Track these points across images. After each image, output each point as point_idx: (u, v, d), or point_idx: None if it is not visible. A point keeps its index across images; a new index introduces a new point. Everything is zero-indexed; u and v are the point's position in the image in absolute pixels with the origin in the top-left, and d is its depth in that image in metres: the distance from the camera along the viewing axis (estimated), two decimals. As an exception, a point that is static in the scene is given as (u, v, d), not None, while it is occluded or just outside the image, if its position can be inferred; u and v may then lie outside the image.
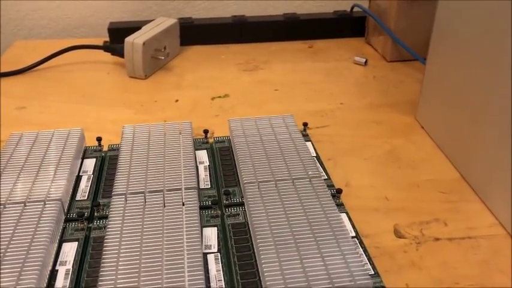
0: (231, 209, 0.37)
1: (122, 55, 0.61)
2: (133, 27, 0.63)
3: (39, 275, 0.29)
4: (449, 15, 0.44)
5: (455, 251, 0.35)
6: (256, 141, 0.41)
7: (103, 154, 0.43)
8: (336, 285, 0.28)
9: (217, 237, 0.34)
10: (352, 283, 0.28)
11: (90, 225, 0.35)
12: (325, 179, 0.39)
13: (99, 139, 0.44)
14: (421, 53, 0.58)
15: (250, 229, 0.34)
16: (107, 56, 0.64)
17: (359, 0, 0.71)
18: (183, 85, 0.60)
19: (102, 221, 0.35)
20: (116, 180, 0.36)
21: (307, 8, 0.78)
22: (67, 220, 0.36)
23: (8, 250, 0.30)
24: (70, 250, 0.33)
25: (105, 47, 0.64)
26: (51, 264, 0.31)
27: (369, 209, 0.39)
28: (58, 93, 0.58)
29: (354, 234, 0.34)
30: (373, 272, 0.31)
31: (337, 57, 0.67)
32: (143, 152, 0.40)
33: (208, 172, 0.41)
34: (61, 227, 0.35)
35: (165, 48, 0.63)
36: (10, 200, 0.34)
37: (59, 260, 0.32)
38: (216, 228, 0.35)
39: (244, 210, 0.36)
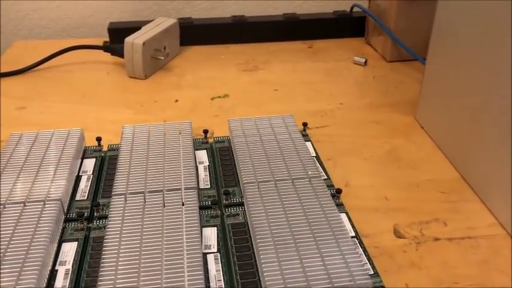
0: (230, 209, 0.37)
1: (121, 55, 0.61)
2: (133, 28, 0.63)
3: (39, 275, 0.29)
4: (449, 15, 0.44)
5: (455, 251, 0.35)
6: (256, 141, 0.41)
7: (103, 154, 0.43)
8: (335, 285, 0.28)
9: (217, 237, 0.34)
10: (352, 283, 0.28)
11: (90, 225, 0.35)
12: (324, 179, 0.39)
13: (98, 139, 0.44)
14: (421, 53, 0.58)
15: (250, 229, 0.34)
16: (106, 56, 0.64)
17: (359, 0, 0.71)
18: (183, 85, 0.60)
19: (102, 221, 0.35)
20: (116, 180, 0.37)
21: (307, 8, 0.78)
22: (67, 220, 0.36)
23: (8, 250, 0.30)
24: (70, 250, 0.33)
25: (105, 47, 0.64)
26: (50, 264, 0.31)
27: (369, 209, 0.39)
28: (58, 93, 0.58)
29: (353, 234, 0.34)
30: (372, 272, 0.31)
31: (337, 57, 0.67)
32: (143, 152, 0.40)
33: (208, 172, 0.41)
34: (61, 227, 0.35)
35: (164, 48, 0.63)
36: (10, 200, 0.34)
37: (59, 260, 0.32)
38: (215, 228, 0.35)
39: (244, 210, 0.36)
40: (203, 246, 0.33)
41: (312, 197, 0.35)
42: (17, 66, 0.62)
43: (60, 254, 0.33)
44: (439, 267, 0.33)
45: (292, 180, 0.36)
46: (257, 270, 0.31)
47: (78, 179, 0.40)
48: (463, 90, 0.42)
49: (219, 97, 0.57)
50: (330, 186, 0.39)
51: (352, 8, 0.73)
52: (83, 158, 0.42)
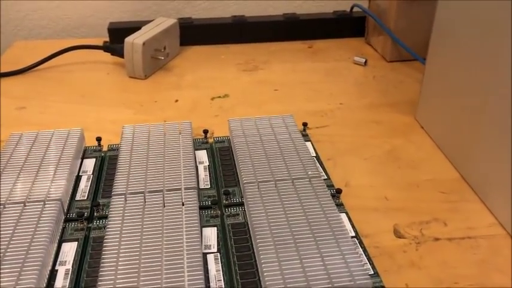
0: (230, 209, 0.37)
1: (121, 55, 0.61)
2: (133, 28, 0.63)
3: (39, 275, 0.29)
4: (448, 15, 0.44)
5: (455, 250, 0.35)
6: (256, 141, 0.41)
7: (103, 154, 0.43)
8: (335, 285, 0.28)
9: (217, 237, 0.34)
10: (352, 283, 0.28)
11: (90, 225, 0.35)
12: (324, 179, 0.39)
13: (98, 139, 0.44)
14: (421, 53, 0.58)
15: (250, 229, 0.34)
16: (106, 56, 0.64)
17: (359, 0, 0.71)
18: (183, 85, 0.60)
19: (102, 221, 0.35)
20: (116, 180, 0.37)
21: (307, 8, 0.78)
22: (67, 220, 0.36)
23: (8, 250, 0.30)
24: (70, 250, 0.33)
25: (105, 47, 0.64)
26: (50, 264, 0.31)
27: (369, 209, 0.39)
28: (58, 93, 0.58)
29: (353, 234, 0.34)
30: (372, 272, 0.31)
31: (337, 57, 0.67)
32: (143, 152, 0.40)
33: (208, 172, 0.41)
34: (61, 227, 0.35)
35: (164, 48, 0.63)
36: (10, 200, 0.35)
37: (59, 260, 0.32)
38: (215, 228, 0.35)
39: (244, 210, 0.36)
40: (203, 246, 0.33)
41: (312, 197, 0.35)
42: (17, 66, 0.62)
43: (60, 254, 0.33)
44: (439, 267, 0.33)
45: (292, 180, 0.36)
46: (257, 270, 0.31)
47: (78, 179, 0.40)
48: (462, 90, 0.42)
49: (219, 97, 0.57)
50: (330, 186, 0.39)
51: (352, 8, 0.73)
52: (83, 158, 0.42)
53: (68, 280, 0.31)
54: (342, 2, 0.76)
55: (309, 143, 0.45)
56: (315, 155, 0.43)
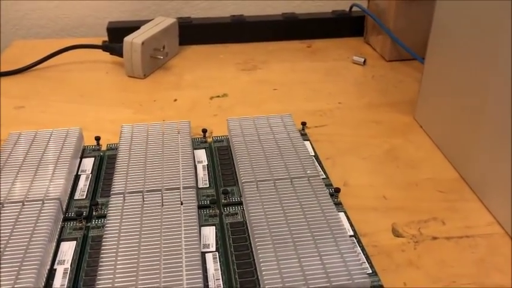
0: (229, 208, 0.37)
1: (120, 55, 0.61)
2: (132, 27, 0.63)
3: (38, 274, 0.29)
4: (447, 15, 0.44)
5: (453, 249, 0.35)
6: (255, 140, 0.41)
7: (101, 153, 0.43)
8: (333, 284, 0.28)
9: (216, 237, 0.34)
10: (350, 282, 0.28)
11: (89, 224, 0.35)
12: (323, 178, 0.39)
13: (97, 138, 0.44)
14: (420, 53, 0.58)
15: (249, 228, 0.34)
16: (105, 56, 0.64)
17: (358, 0, 0.71)
18: (182, 85, 0.60)
19: (101, 220, 0.35)
20: (114, 179, 0.37)
21: (306, 8, 0.78)
22: (65, 219, 0.36)
23: (6, 249, 0.30)
24: (68, 249, 0.33)
25: (104, 47, 0.64)
26: (49, 263, 0.31)
27: (367, 208, 0.39)
28: (57, 92, 0.58)
29: (351, 233, 0.34)
30: (370, 271, 0.31)
31: (336, 56, 0.67)
32: (141, 152, 0.40)
33: (206, 171, 0.41)
34: (59, 226, 0.35)
35: (163, 47, 0.63)
36: (8, 199, 0.34)
37: (57, 259, 0.32)
38: (214, 227, 0.35)
39: (243, 209, 0.36)
40: (202, 246, 0.33)
41: (311, 196, 0.35)
42: (15, 65, 0.62)
43: (59, 253, 0.33)
44: (437, 266, 0.33)
45: (290, 180, 0.36)
46: (256, 269, 0.31)
47: (76, 178, 0.40)
48: (461, 89, 0.42)
49: (218, 96, 0.57)
50: (329, 185, 0.39)
51: (351, 7, 0.73)
52: (81, 157, 0.42)
53: (67, 279, 0.31)
54: (341, 2, 0.76)
55: (308, 142, 0.45)
56: (313, 154, 0.43)
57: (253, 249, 0.32)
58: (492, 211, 0.38)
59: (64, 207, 0.36)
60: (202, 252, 0.32)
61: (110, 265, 0.29)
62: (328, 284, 0.28)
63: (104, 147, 0.44)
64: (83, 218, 0.35)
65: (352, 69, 0.64)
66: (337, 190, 0.38)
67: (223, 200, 0.37)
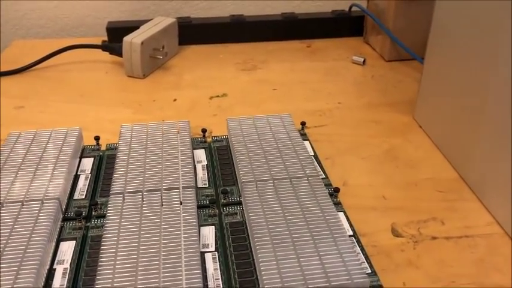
0: (228, 208, 0.37)
1: (120, 54, 0.61)
2: (131, 27, 0.63)
3: (37, 274, 0.29)
4: (447, 15, 0.44)
5: (453, 249, 0.35)
6: (254, 140, 0.41)
7: (101, 153, 0.43)
8: (333, 284, 0.28)
9: (215, 236, 0.34)
10: (349, 282, 0.28)
11: (88, 224, 0.35)
12: (322, 178, 0.39)
13: (97, 138, 0.44)
14: (419, 53, 0.58)
15: (248, 228, 0.34)
16: (105, 56, 0.64)
17: (357, 0, 0.71)
18: (182, 84, 0.60)
19: (100, 220, 0.35)
20: (114, 179, 0.37)
21: (306, 8, 0.78)
22: (65, 219, 0.36)
23: (6, 249, 0.30)
24: (68, 249, 0.33)
25: (104, 47, 0.64)
26: (48, 263, 0.31)
27: (367, 208, 0.39)
28: (56, 92, 0.58)
29: (351, 233, 0.34)
30: (370, 271, 0.31)
31: (336, 56, 0.67)
32: (141, 151, 0.40)
33: (206, 171, 0.41)
34: (59, 226, 0.35)
35: (163, 47, 0.63)
36: (8, 199, 0.34)
37: (57, 259, 0.32)
38: (213, 227, 0.35)
39: (242, 209, 0.36)
40: (201, 245, 0.33)
41: (310, 196, 0.35)
42: (15, 65, 0.62)
43: (58, 253, 0.33)
44: (437, 266, 0.33)
45: (290, 179, 0.36)
46: (255, 269, 0.31)
47: (76, 178, 0.40)
48: (461, 89, 0.42)
49: (218, 96, 0.57)
50: (328, 185, 0.39)
51: (350, 7, 0.73)
52: (81, 157, 0.42)
53: (66, 279, 0.31)
54: (340, 2, 0.76)
55: (307, 142, 0.45)
56: (313, 154, 0.43)
57: (252, 249, 0.32)
58: (491, 211, 0.38)
59: (63, 207, 0.36)
60: (201, 252, 0.32)
61: (109, 265, 0.29)
62: (327, 284, 0.28)
63: (103, 147, 0.44)
64: (82, 217, 0.35)
65: (351, 69, 0.64)
66: (337, 190, 0.38)
67: (222, 200, 0.37)
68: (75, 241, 0.34)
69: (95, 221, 0.35)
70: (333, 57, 0.67)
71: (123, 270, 0.29)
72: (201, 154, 0.43)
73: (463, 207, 0.39)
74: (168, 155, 0.39)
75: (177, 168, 0.38)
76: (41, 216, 0.33)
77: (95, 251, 0.32)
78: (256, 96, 0.57)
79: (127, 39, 0.59)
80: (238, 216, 0.36)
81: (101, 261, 0.29)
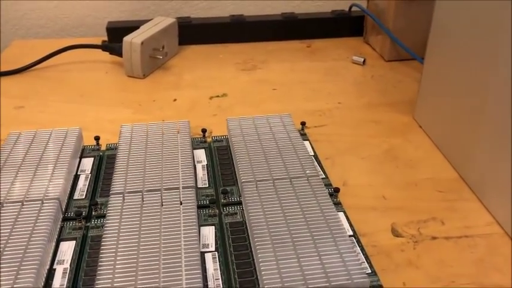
0: (228, 208, 0.37)
1: (120, 54, 0.61)
2: (131, 27, 0.63)
3: (37, 274, 0.29)
4: (447, 15, 0.44)
5: (452, 249, 0.35)
6: (254, 140, 0.41)
7: (101, 153, 0.43)
8: (333, 284, 0.28)
9: (215, 236, 0.34)
10: (349, 282, 0.28)
11: (88, 224, 0.35)
12: (322, 178, 0.39)
13: (97, 138, 0.44)
14: (419, 53, 0.58)
15: (248, 228, 0.34)
16: (105, 56, 0.64)
17: (357, 0, 0.71)
18: (182, 84, 0.60)
19: (100, 220, 0.35)
20: (114, 179, 0.37)
21: (305, 8, 0.78)
22: (65, 219, 0.36)
23: (6, 249, 0.30)
24: (68, 249, 0.33)
25: (104, 47, 0.64)
26: (48, 263, 0.31)
27: (367, 208, 0.39)
28: (56, 92, 0.58)
29: (351, 233, 0.34)
30: (370, 271, 0.31)
31: (335, 56, 0.67)
32: (141, 151, 0.40)
33: (206, 171, 0.41)
34: (59, 226, 0.35)
35: (163, 47, 0.63)
36: (8, 199, 0.34)
37: (57, 259, 0.32)
38: (213, 227, 0.35)
39: (242, 209, 0.36)
40: (201, 245, 0.33)
41: (310, 196, 0.35)
42: (15, 65, 0.62)
43: (58, 253, 0.33)
44: (437, 266, 0.33)
45: (290, 179, 0.36)
46: (255, 269, 0.31)
47: (76, 178, 0.40)
48: (461, 89, 0.42)
49: (218, 96, 0.57)
50: (328, 185, 0.39)
51: (350, 7, 0.73)
52: (81, 157, 0.42)
53: (66, 279, 0.31)
54: (340, 2, 0.76)
55: (307, 142, 0.45)
56: (313, 154, 0.43)
57: (252, 249, 0.32)
58: (491, 211, 0.38)
59: (63, 207, 0.36)
60: (201, 252, 0.32)
61: (109, 265, 0.29)
62: (327, 284, 0.28)
63: (103, 147, 0.44)
64: (82, 217, 0.35)
65: (351, 69, 0.64)
66: (337, 190, 0.38)
67: (222, 200, 0.37)
68: (75, 241, 0.34)
69: (95, 221, 0.35)
70: (332, 57, 0.67)
71: (123, 270, 0.29)
72: (201, 154, 0.43)
73: (463, 207, 0.39)
74: (168, 155, 0.39)
75: (177, 168, 0.38)
76: (41, 216, 0.33)
77: (94, 251, 0.32)
78: (256, 96, 0.57)
79: (127, 39, 0.59)
80: (238, 216, 0.36)
81: (101, 261, 0.29)
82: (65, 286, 0.30)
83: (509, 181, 0.35)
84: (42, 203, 0.34)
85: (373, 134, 0.49)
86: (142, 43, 0.59)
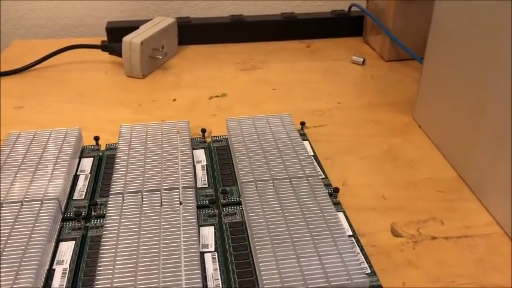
0: (228, 208, 0.37)
1: (119, 54, 0.61)
2: (131, 27, 0.63)
3: (36, 274, 0.29)
4: (446, 15, 0.44)
5: (452, 249, 0.35)
6: (254, 140, 0.41)
7: (100, 153, 0.43)
8: (332, 284, 0.28)
9: (215, 236, 0.34)
10: (349, 282, 0.28)
11: (87, 224, 0.35)
12: (322, 178, 0.39)
13: (96, 138, 0.44)
14: (419, 53, 0.58)
15: (248, 228, 0.34)
16: (104, 56, 0.64)
17: (357, 0, 0.71)
18: (181, 84, 0.60)
19: (99, 220, 0.35)
20: (113, 179, 0.37)
21: (305, 8, 0.78)
22: (64, 219, 0.36)
23: (5, 249, 0.30)
24: (67, 249, 0.33)
25: (103, 47, 0.64)
26: (48, 263, 0.31)
27: (366, 208, 0.39)
28: (56, 92, 0.58)
29: (350, 233, 0.34)
30: (369, 271, 0.31)
31: (335, 56, 0.67)
32: (141, 151, 0.40)
33: (205, 171, 0.41)
34: (58, 226, 0.35)
35: (162, 47, 0.63)
36: (7, 199, 0.34)
37: (56, 259, 0.32)
38: (213, 227, 0.35)
39: (242, 209, 0.36)
40: (200, 246, 0.33)
41: (310, 196, 0.35)
42: (15, 65, 0.62)
43: (58, 253, 0.33)
44: (436, 266, 0.33)
45: (289, 179, 0.36)
46: (254, 269, 0.31)
47: (75, 178, 0.40)
48: (460, 89, 0.42)
49: (217, 96, 0.57)
50: (328, 185, 0.39)
51: (350, 7, 0.73)
52: (80, 157, 0.42)
53: (66, 279, 0.31)
54: (340, 2, 0.76)
55: (307, 142, 0.45)
56: (312, 154, 0.43)
57: (252, 249, 0.32)
58: (491, 211, 0.38)
59: (63, 207, 0.36)
60: (201, 252, 0.32)
61: (109, 265, 0.29)
62: (327, 284, 0.28)
63: (103, 147, 0.44)
64: (81, 218, 0.35)
65: (351, 69, 0.64)
66: (336, 190, 0.38)
67: (222, 200, 0.37)
68: (74, 241, 0.34)
69: (94, 221, 0.35)
70: (332, 57, 0.67)
71: (123, 271, 0.29)
72: (200, 154, 0.43)
73: (463, 207, 0.39)
74: (168, 155, 0.39)
75: (177, 169, 0.38)
76: (41, 216, 0.33)
77: (94, 251, 0.32)
78: (255, 96, 0.57)
79: (126, 39, 0.59)
80: (238, 217, 0.36)
81: (101, 262, 0.29)
82: (64, 286, 0.30)
83: (509, 181, 0.35)
84: (42, 203, 0.34)
85: (373, 134, 0.49)
86: (141, 43, 0.59)
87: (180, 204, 0.34)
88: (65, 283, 0.30)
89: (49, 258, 0.32)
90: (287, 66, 0.64)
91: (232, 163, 0.41)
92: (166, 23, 0.65)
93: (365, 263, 0.32)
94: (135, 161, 0.38)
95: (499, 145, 0.36)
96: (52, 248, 0.33)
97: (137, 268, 0.29)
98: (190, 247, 0.30)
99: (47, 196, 0.35)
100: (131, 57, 0.59)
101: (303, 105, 0.54)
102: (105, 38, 0.69)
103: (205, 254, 0.32)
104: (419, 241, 0.35)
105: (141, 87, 0.59)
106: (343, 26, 0.73)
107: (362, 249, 0.33)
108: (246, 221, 0.34)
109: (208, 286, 0.30)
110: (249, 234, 0.33)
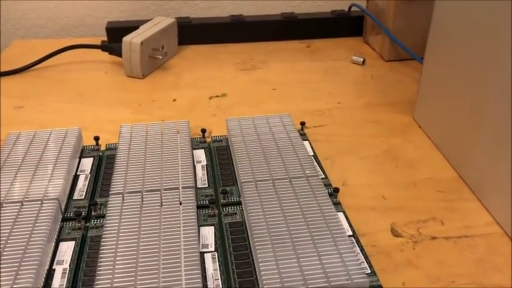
0: (228, 208, 0.37)
1: (119, 54, 0.61)
2: (131, 27, 0.63)
3: (36, 274, 0.29)
4: (446, 15, 0.44)
5: (452, 249, 0.35)
6: (254, 140, 0.41)
7: (100, 153, 0.43)
8: (332, 284, 0.28)
9: (215, 236, 0.34)
10: (349, 282, 0.28)
11: (87, 224, 0.35)
12: (322, 178, 0.39)
13: (96, 138, 0.44)
14: (419, 53, 0.58)
15: (248, 228, 0.34)
16: (104, 56, 0.64)
17: (357, 0, 0.71)
18: (181, 84, 0.60)
19: (99, 220, 0.35)
20: (113, 179, 0.37)
21: (305, 8, 0.78)
22: (64, 219, 0.36)
23: (5, 249, 0.30)
24: (67, 249, 0.33)
25: (103, 47, 0.64)
26: (48, 263, 0.31)
27: (366, 208, 0.39)
28: (56, 92, 0.58)
29: (350, 233, 0.34)
30: (369, 271, 0.31)
31: (335, 56, 0.67)
32: (140, 151, 0.40)
33: (205, 171, 0.41)
34: (58, 226, 0.35)
35: (162, 47, 0.63)
36: (7, 199, 0.34)
37: (56, 259, 0.32)
38: (213, 227, 0.35)
39: (242, 209, 0.36)
40: (200, 246, 0.33)
41: (310, 196, 0.35)
42: (15, 65, 0.62)
43: (58, 253, 0.33)
44: (436, 266, 0.33)
45: (289, 179, 0.36)
46: (254, 269, 0.31)
47: (75, 178, 0.40)
48: (460, 89, 0.42)
49: (217, 96, 0.57)
50: (328, 185, 0.39)
51: (350, 7, 0.73)
52: (80, 157, 0.42)
53: (66, 279, 0.31)
54: (340, 2, 0.76)
55: (307, 142, 0.45)
56: (312, 154, 0.43)
57: (252, 249, 0.32)
58: (491, 211, 0.38)
59: (63, 207, 0.36)
60: (201, 252, 0.32)
61: (109, 265, 0.29)
62: (327, 284, 0.28)
63: (103, 147, 0.44)
64: (81, 218, 0.35)
65: (351, 69, 0.64)
66: (336, 190, 0.38)
67: (222, 200, 0.37)
68: (74, 241, 0.34)
69: (94, 221, 0.35)
70: (332, 57, 0.67)
71: (123, 271, 0.29)
72: (200, 154, 0.43)
73: (463, 207, 0.39)
74: (168, 155, 0.39)
75: (177, 169, 0.38)
76: (41, 216, 0.33)
77: (94, 251, 0.32)
78: (255, 96, 0.57)
79: (126, 39, 0.59)
80: (238, 217, 0.36)
81: (101, 262, 0.29)
82: (64, 286, 0.30)
83: (509, 181, 0.35)
84: (42, 203, 0.34)
85: (373, 134, 0.49)
86: (141, 43, 0.59)
87: (180, 204, 0.34)
88: (65, 283, 0.30)
89: (49, 258, 0.32)
90: (287, 66, 0.64)
91: (232, 163, 0.41)
92: (166, 23, 0.65)
93: (365, 263, 0.32)
94: (135, 161, 0.38)
95: (498, 145, 0.36)
96: (52, 248, 0.33)
97: (137, 268, 0.29)
98: (190, 247, 0.30)
99: (47, 196, 0.35)
100: (131, 57, 0.59)
101: (303, 105, 0.54)
102: (105, 38, 0.69)
103: (205, 254, 0.32)
104: (419, 241, 0.35)
105: (141, 87, 0.59)
106: (343, 26, 0.73)
107: (362, 249, 0.33)
108: (246, 221, 0.34)
109: (208, 286, 0.30)
110: (249, 234, 0.33)
